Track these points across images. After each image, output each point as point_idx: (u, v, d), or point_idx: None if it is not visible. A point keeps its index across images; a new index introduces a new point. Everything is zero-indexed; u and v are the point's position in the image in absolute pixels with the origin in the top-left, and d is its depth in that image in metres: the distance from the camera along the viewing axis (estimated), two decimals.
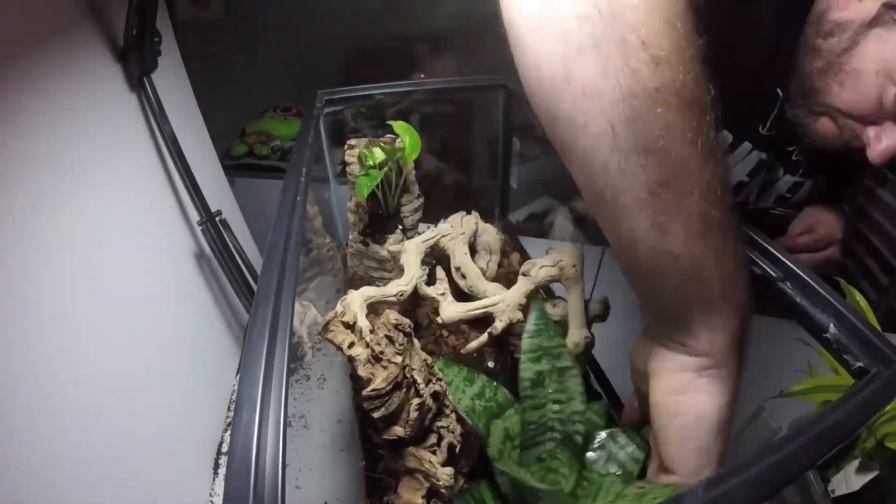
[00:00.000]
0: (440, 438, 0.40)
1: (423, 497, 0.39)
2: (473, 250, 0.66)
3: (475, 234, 0.65)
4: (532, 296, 0.50)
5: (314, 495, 0.56)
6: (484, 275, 0.61)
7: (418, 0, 1.81)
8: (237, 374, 0.69)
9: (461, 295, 0.57)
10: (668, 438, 0.36)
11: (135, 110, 0.61)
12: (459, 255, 0.59)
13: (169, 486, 0.54)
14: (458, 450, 0.41)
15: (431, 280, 0.57)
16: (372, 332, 0.37)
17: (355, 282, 0.72)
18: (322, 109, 0.69)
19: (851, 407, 0.28)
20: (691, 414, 0.35)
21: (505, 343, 0.55)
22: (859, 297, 0.54)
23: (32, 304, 0.41)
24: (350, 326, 0.38)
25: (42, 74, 0.46)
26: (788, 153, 0.85)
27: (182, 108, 0.73)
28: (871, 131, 0.56)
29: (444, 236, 0.58)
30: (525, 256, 0.79)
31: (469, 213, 0.65)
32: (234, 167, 1.63)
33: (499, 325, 0.51)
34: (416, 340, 0.39)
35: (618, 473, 0.41)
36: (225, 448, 0.62)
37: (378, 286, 0.53)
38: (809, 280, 0.36)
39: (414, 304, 0.67)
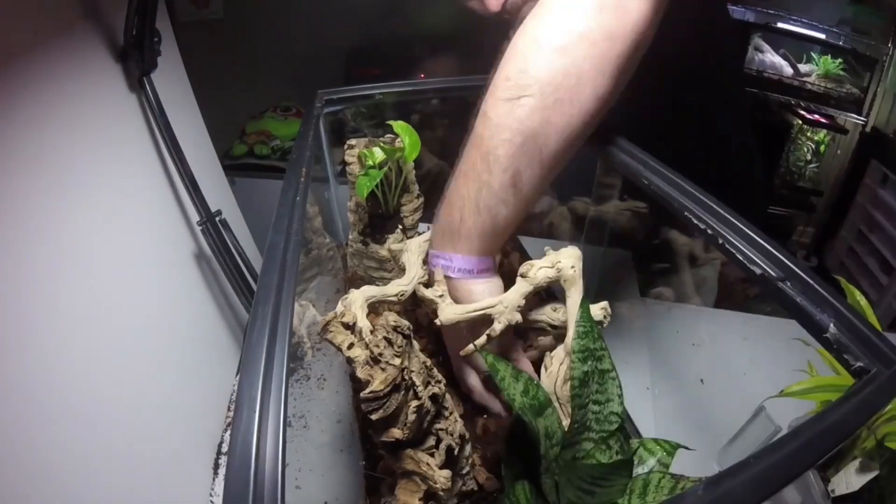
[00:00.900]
0: (439, 441, 0.40)
1: (420, 499, 0.39)
2: None
3: None
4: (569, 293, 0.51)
5: (314, 495, 0.56)
6: None
7: (418, 0, 1.81)
8: (237, 374, 0.69)
9: None
10: None
11: (135, 110, 0.61)
12: None
13: (169, 486, 0.54)
14: (456, 452, 0.41)
15: (431, 281, 0.57)
16: (372, 332, 0.37)
17: (355, 282, 0.72)
18: (322, 109, 0.69)
19: (851, 407, 0.28)
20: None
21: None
22: (859, 296, 0.54)
23: (32, 304, 0.41)
24: (350, 327, 0.38)
25: (42, 74, 0.46)
26: None
27: (182, 108, 0.73)
28: None
29: None
30: (525, 256, 0.79)
31: None
32: (234, 167, 1.63)
33: (497, 326, 0.51)
34: (415, 342, 0.39)
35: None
36: (225, 448, 0.62)
37: (378, 286, 0.52)
38: (809, 280, 0.36)
39: (414, 304, 0.67)
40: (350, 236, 0.71)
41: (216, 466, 0.61)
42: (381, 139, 0.65)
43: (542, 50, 0.45)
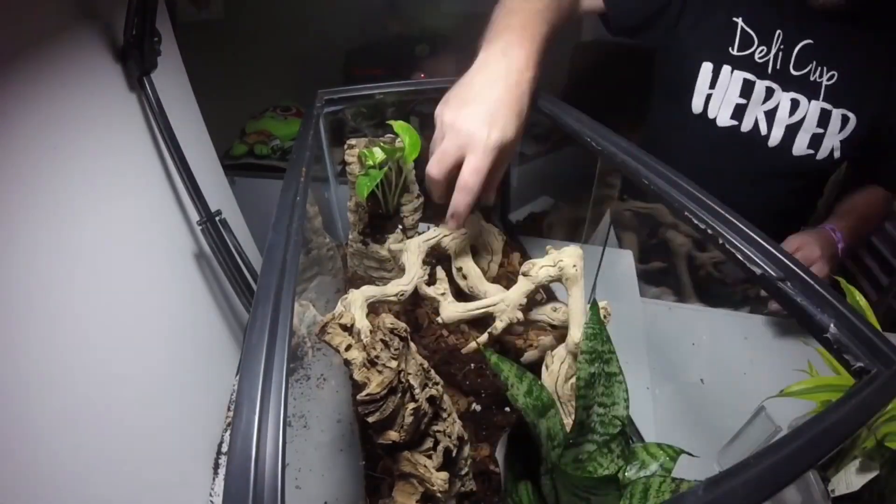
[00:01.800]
0: (436, 443, 0.40)
1: (417, 501, 0.39)
2: (475, 250, 0.66)
3: (477, 235, 0.65)
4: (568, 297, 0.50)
5: (314, 495, 0.56)
6: (485, 275, 0.61)
7: (418, 0, 1.81)
8: (237, 374, 0.69)
9: (461, 294, 0.57)
10: None
11: (135, 110, 0.61)
12: (461, 256, 0.59)
13: (169, 486, 0.54)
14: (454, 454, 0.41)
15: (432, 280, 0.57)
16: (372, 332, 0.37)
17: (355, 281, 0.72)
18: (322, 109, 0.69)
19: (851, 407, 0.28)
20: None
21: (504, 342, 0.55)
22: (859, 296, 0.53)
23: (32, 304, 0.41)
24: (348, 329, 0.38)
25: (42, 74, 0.46)
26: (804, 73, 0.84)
27: (182, 108, 0.73)
28: None
29: (445, 236, 0.58)
30: (526, 256, 0.79)
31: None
32: (234, 167, 1.63)
33: (499, 325, 0.51)
34: (412, 344, 0.39)
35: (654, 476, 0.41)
36: (225, 448, 0.62)
37: (378, 286, 0.52)
38: (809, 280, 0.36)
39: (414, 303, 0.67)
40: (350, 236, 0.71)
41: (216, 466, 0.61)
42: (381, 139, 0.65)
43: None
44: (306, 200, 0.48)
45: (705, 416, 0.69)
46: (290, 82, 1.83)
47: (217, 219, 0.66)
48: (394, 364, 0.35)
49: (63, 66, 0.49)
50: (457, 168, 0.52)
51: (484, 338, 0.51)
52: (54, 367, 0.42)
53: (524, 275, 0.50)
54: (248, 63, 1.68)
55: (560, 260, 0.49)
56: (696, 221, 0.42)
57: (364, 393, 0.34)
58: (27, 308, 0.41)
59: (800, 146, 0.87)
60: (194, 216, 0.66)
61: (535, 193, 1.70)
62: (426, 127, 0.59)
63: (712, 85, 0.89)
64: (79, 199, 0.49)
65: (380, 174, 0.59)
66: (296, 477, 0.58)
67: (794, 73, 0.84)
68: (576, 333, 0.49)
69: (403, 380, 0.36)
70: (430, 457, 0.39)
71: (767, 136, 0.88)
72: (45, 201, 0.45)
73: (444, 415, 0.41)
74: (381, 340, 0.35)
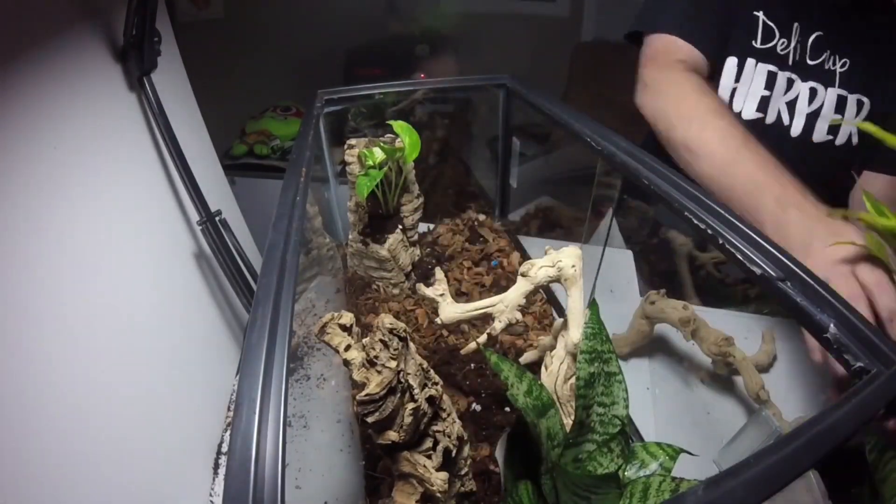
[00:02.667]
0: (436, 443, 0.40)
1: (417, 501, 0.39)
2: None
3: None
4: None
5: (314, 495, 0.56)
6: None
7: (418, 0, 1.81)
8: (237, 374, 0.68)
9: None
10: None
11: (135, 110, 0.61)
12: None
13: (169, 486, 0.54)
14: (454, 454, 0.41)
15: (431, 281, 0.57)
16: (371, 332, 0.37)
17: (355, 281, 0.72)
18: (322, 109, 0.69)
19: (851, 407, 0.28)
20: None
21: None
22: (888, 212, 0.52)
23: (31, 304, 0.41)
24: (346, 329, 0.38)
25: (42, 74, 0.46)
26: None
27: (182, 108, 0.73)
28: None
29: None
30: (525, 256, 0.79)
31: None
32: (234, 167, 1.63)
33: (498, 325, 0.51)
34: (412, 344, 0.39)
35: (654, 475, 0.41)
36: (225, 448, 0.62)
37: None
38: (809, 280, 0.36)
39: (415, 303, 0.67)
40: (350, 236, 0.71)
41: (216, 466, 0.61)
42: (381, 139, 0.65)
43: None
44: (306, 200, 0.48)
45: (705, 416, 0.69)
46: (290, 82, 1.83)
47: (217, 219, 0.66)
48: (393, 364, 0.35)
49: (63, 66, 0.49)
50: None
51: (483, 338, 0.51)
52: (54, 367, 0.42)
53: (523, 275, 0.50)
54: (248, 63, 1.68)
55: (559, 260, 0.49)
56: (696, 221, 0.42)
57: (363, 393, 0.34)
58: (25, 308, 0.41)
59: (819, 133, 0.88)
60: (194, 216, 0.66)
61: (535, 193, 1.70)
62: (426, 127, 0.59)
63: (737, 79, 0.90)
64: (78, 199, 0.49)
65: (380, 174, 0.59)
66: (296, 477, 0.58)
67: (810, 62, 0.86)
68: (574, 334, 0.49)
69: (403, 380, 0.36)
70: (429, 457, 0.39)
71: (790, 127, 0.89)
72: (44, 201, 0.45)
73: (444, 415, 0.41)
74: (381, 340, 0.35)
